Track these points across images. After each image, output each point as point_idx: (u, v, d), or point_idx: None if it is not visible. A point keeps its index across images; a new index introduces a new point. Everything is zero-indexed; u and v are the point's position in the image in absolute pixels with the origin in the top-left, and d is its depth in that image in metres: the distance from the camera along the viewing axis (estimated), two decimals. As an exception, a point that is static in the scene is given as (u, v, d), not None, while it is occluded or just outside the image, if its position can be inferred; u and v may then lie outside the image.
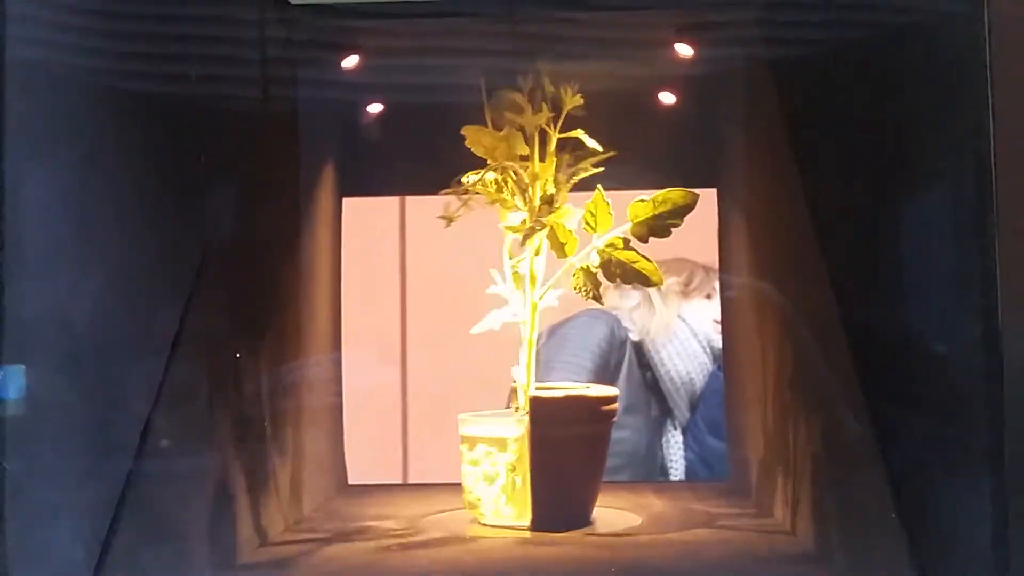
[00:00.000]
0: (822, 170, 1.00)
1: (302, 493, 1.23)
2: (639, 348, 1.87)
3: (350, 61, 1.30)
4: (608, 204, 1.08)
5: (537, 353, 1.21)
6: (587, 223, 1.09)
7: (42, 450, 0.66)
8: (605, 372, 1.79)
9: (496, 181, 1.13)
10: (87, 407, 0.72)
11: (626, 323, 1.87)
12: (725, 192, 1.45)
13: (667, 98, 1.30)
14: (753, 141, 1.28)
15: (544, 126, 1.12)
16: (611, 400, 1.15)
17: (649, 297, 1.88)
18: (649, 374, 1.86)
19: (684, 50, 1.27)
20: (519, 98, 1.11)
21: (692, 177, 1.50)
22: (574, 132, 1.11)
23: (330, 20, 1.22)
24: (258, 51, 1.13)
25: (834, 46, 0.96)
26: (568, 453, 1.12)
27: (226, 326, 1.00)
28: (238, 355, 1.03)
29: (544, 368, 1.71)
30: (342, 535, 1.10)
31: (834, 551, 0.93)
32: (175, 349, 0.85)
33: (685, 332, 1.88)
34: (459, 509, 1.18)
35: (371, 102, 1.43)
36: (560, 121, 1.11)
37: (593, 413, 1.14)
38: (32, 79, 0.66)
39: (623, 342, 1.85)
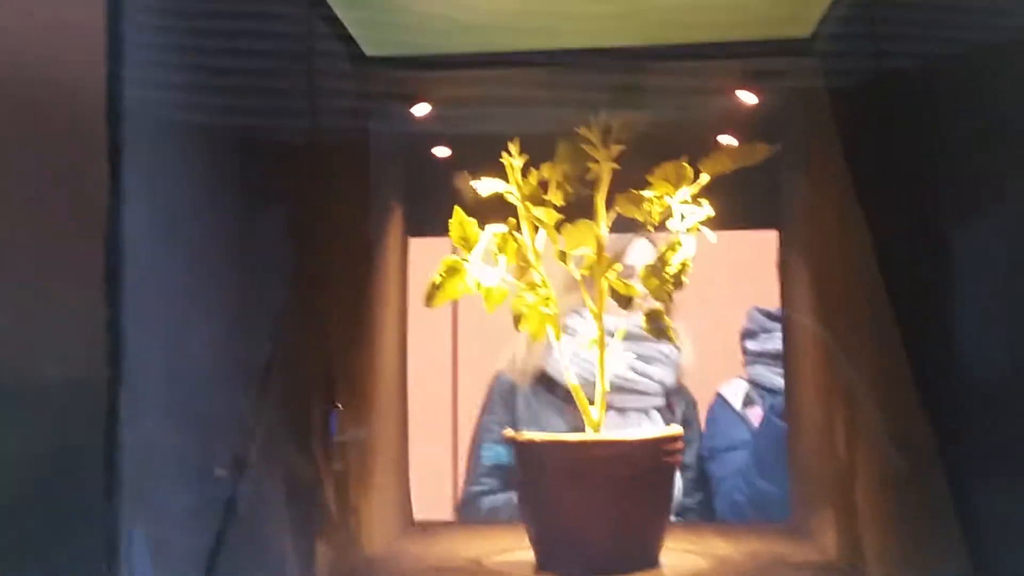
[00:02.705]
0: (885, 210, 1.01)
1: (374, 530, 1.25)
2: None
3: (418, 108, 1.34)
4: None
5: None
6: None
7: (150, 489, 0.69)
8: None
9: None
10: (192, 446, 0.75)
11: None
12: (787, 234, 1.47)
13: (729, 142, 1.33)
14: (814, 183, 1.29)
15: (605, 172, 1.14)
16: (675, 439, 1.17)
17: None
18: None
19: (746, 96, 1.30)
20: (591, 133, 1.13)
21: (753, 219, 1.53)
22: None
23: (402, 70, 1.27)
24: (336, 100, 1.18)
25: (896, 86, 0.97)
26: (634, 494, 1.13)
27: (308, 364, 1.04)
28: (339, 405, 1.06)
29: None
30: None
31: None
32: (264, 387, 0.88)
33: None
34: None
35: (436, 145, 1.48)
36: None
37: (657, 453, 1.15)
38: (148, 131, 0.70)
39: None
